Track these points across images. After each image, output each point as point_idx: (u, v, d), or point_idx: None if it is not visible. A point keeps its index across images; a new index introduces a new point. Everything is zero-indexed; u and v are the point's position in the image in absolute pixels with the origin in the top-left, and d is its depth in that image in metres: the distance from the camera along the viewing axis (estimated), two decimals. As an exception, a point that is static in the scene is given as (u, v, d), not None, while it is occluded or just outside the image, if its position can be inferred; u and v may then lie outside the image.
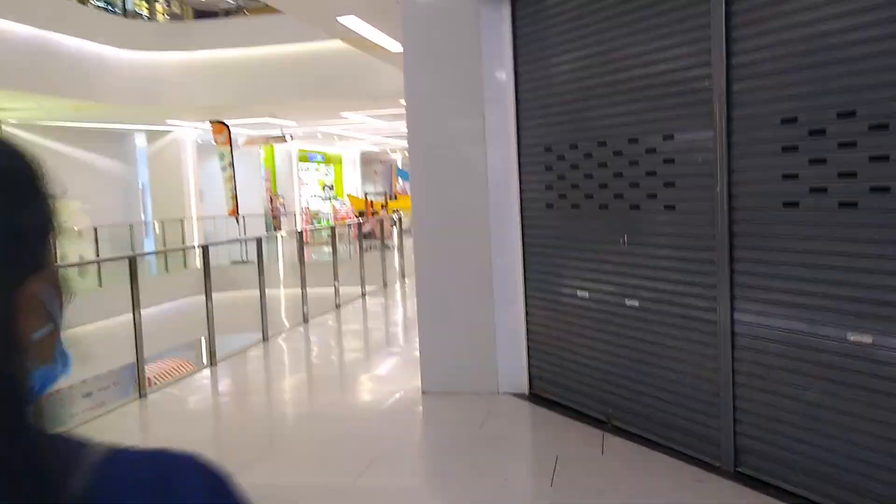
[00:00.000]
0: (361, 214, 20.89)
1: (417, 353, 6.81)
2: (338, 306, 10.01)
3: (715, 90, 3.76)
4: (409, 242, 14.37)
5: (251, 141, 22.81)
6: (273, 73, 15.39)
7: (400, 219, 14.92)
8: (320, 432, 4.97)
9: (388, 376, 6.37)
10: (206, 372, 6.79)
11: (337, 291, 10.10)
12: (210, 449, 4.83)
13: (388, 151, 39.13)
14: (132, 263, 5.84)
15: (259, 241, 8.08)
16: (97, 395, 16.82)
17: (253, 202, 25.03)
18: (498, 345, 5.50)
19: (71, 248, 17.38)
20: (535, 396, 5.36)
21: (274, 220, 27.15)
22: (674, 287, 4.15)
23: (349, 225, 16.25)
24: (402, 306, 10.51)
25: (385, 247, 13.37)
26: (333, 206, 29.99)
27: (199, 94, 15.93)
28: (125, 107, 15.61)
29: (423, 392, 5.62)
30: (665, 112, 4.11)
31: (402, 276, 13.09)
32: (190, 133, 21.12)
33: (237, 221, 18.83)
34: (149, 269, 17.41)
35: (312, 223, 28.19)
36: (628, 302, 4.45)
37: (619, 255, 4.50)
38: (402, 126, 23.53)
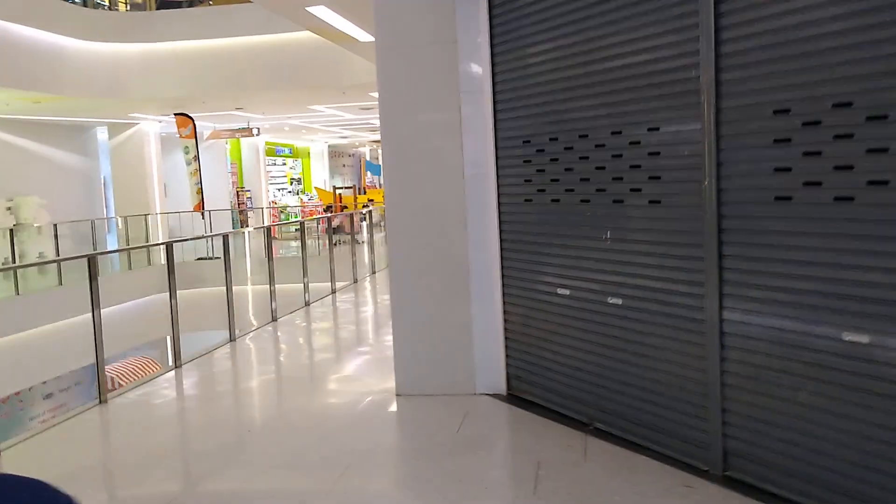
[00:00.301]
0: (329, 209, 20.58)
1: (391, 353, 6.63)
2: (307, 303, 9.78)
3: (703, 80, 3.61)
4: (378, 237, 14.20)
5: (216, 134, 22.37)
6: (239, 64, 15.05)
7: (370, 213, 14.68)
8: (291, 437, 4.75)
9: (361, 378, 6.16)
10: (171, 375, 6.53)
11: (306, 288, 9.86)
12: (176, 455, 4.62)
13: (356, 144, 38.82)
14: (91, 263, 5.56)
15: (226, 238, 7.81)
16: (57, 396, 16.43)
17: (219, 197, 24.60)
18: (475, 344, 5.33)
19: (31, 246, 16.92)
20: (514, 397, 5.20)
21: (241, 214, 26.74)
22: (659, 284, 4.00)
23: (318, 220, 15.96)
24: (373, 303, 10.30)
25: (355, 241, 13.11)
26: (301, 199, 29.62)
27: (162, 87, 15.54)
28: (87, 99, 15.17)
29: (398, 394, 5.43)
30: (650, 103, 3.95)
31: (373, 271, 12.87)
32: (153, 126, 20.65)
33: (202, 216, 18.44)
34: (111, 265, 16.98)
35: (280, 218, 27.81)
36: (611, 300, 4.30)
37: (602, 251, 4.34)
38: (371, 118, 23.30)
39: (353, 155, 40.60)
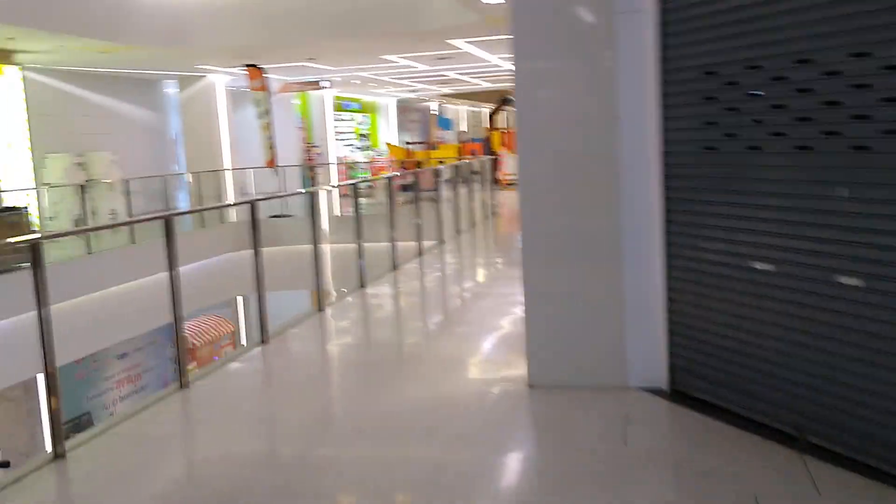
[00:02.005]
0: (419, 165, 19.63)
1: (510, 330, 5.70)
2: (395, 267, 8.89)
3: None
4: (453, 194, 13.20)
5: (287, 87, 21.58)
6: (311, 11, 14.07)
7: (456, 167, 13.71)
8: (397, 448, 3.86)
9: (480, 362, 5.23)
10: (257, 351, 5.70)
11: (394, 249, 8.96)
12: (271, 452, 3.74)
13: (425, 99, 37.70)
14: (168, 225, 4.72)
15: (312, 197, 6.93)
16: (132, 355, 16.11)
17: (288, 153, 23.87)
18: (627, 327, 4.33)
19: (102, 203, 16.48)
20: (679, 395, 4.19)
21: (310, 171, 26.05)
22: (926, 261, 2.92)
23: (404, 176, 15.08)
24: (469, 268, 9.35)
25: (432, 200, 12.14)
26: (372, 156, 28.79)
27: (230, 35, 14.69)
28: (152, 49, 14.44)
29: (531, 385, 4.48)
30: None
31: (458, 230, 11.93)
32: (222, 79, 19.93)
33: (275, 173, 17.71)
34: (183, 224, 16.43)
35: (348, 174, 27.05)
36: (843, 280, 3.23)
37: (830, 214, 3.26)
38: (445, 69, 22.16)
39: (421, 110, 39.51)
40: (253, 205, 5.72)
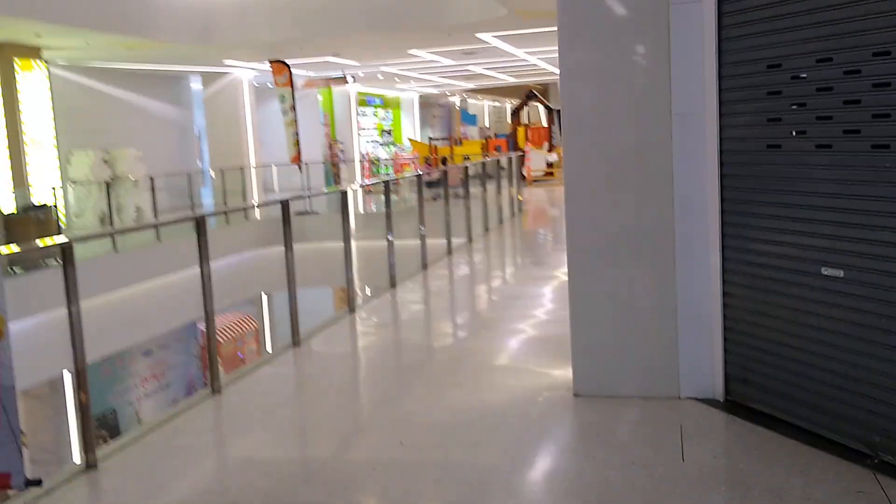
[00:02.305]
0: (445, 161, 19.43)
1: (550, 333, 5.51)
2: (425, 266, 8.71)
3: None
4: (480, 191, 12.98)
5: (311, 83, 21.48)
6: (340, 5, 13.92)
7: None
8: (442, 468, 3.68)
9: (521, 368, 5.03)
10: (289, 355, 5.54)
11: (423, 249, 8.78)
12: (307, 462, 3.56)
13: (447, 94, 37.47)
14: (200, 225, 4.57)
15: (344, 195, 6.77)
16: (157, 353, 16.07)
17: (312, 149, 23.77)
18: (680, 333, 4.12)
19: (127, 199, 16.45)
20: (735, 406, 3.98)
21: (333, 167, 25.94)
22: None
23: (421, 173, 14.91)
24: (500, 267, 9.15)
25: (457, 196, 11.94)
26: (396, 152, 28.62)
27: (257, 31, 14.58)
28: (179, 45, 14.36)
29: (576, 394, 4.28)
30: None
31: (486, 228, 11.74)
32: (247, 75, 19.86)
33: (300, 169, 17.60)
34: (208, 221, 16.36)
35: (372, 171, 26.94)
36: (926, 288, 3.01)
37: (911, 218, 3.04)
38: (470, 63, 21.95)
39: (444, 105, 39.29)
40: (284, 204, 5.56)
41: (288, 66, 16.70)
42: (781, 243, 3.62)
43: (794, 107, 3.49)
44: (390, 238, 7.77)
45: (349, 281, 6.77)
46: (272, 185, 21.73)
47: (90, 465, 3.64)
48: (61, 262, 3.45)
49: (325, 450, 3.91)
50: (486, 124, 43.62)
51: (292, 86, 16.78)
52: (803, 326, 3.56)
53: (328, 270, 11.94)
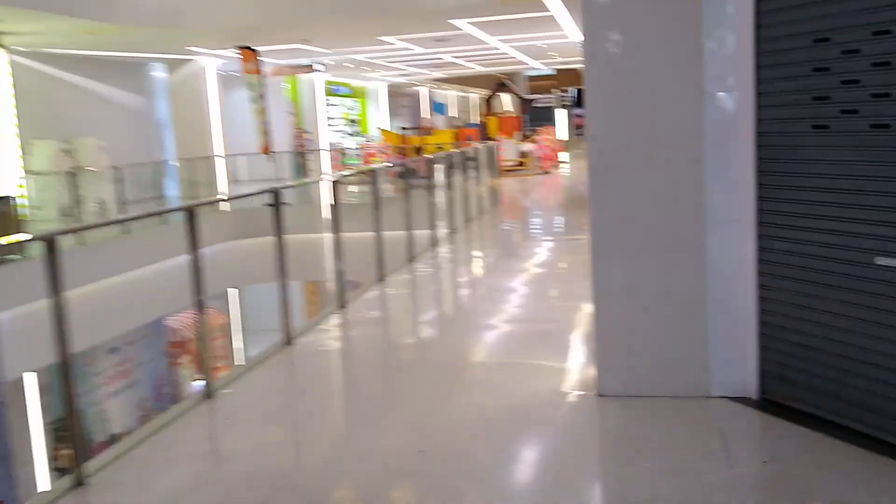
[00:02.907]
0: (419, 151, 19.05)
1: (557, 328, 5.25)
2: (412, 258, 8.39)
3: None
4: (459, 181, 12.67)
5: (279, 71, 20.93)
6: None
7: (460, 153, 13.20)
8: (465, 479, 3.39)
9: (536, 366, 4.72)
10: (283, 355, 5.20)
11: (410, 240, 8.46)
12: (318, 478, 3.23)
13: (416, 83, 37.05)
14: (192, 216, 4.21)
15: (335, 184, 6.41)
16: (124, 350, 15.52)
17: (277, 138, 23.20)
18: (711, 327, 3.87)
19: (90, 191, 15.83)
20: (771, 404, 3.75)
21: (300, 157, 25.42)
22: None
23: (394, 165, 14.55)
24: (495, 258, 8.83)
25: (430, 188, 11.62)
26: (365, 142, 28.16)
27: (225, 16, 14.07)
28: (143, 30, 13.80)
29: (600, 394, 4.02)
30: None
31: (467, 219, 11.44)
32: (213, 62, 19.26)
33: (270, 159, 17.10)
34: (175, 213, 15.82)
35: (341, 161, 26.43)
36: None
37: (984, 202, 2.82)
38: (442, 52, 21.59)
39: (411, 95, 38.83)
40: (276, 192, 5.21)
41: (257, 53, 16.20)
42: (828, 231, 3.39)
43: (845, 84, 3.25)
44: (378, 231, 7.44)
45: (339, 275, 6.43)
46: (239, 175, 21.18)
47: (79, 482, 3.28)
48: (46, 257, 3.08)
49: (336, 463, 3.59)
50: (454, 114, 43.30)
51: (261, 73, 16.27)
52: (854, 320, 3.33)
53: (305, 263, 11.54)
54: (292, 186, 9.69)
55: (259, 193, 5.27)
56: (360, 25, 15.28)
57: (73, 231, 3.06)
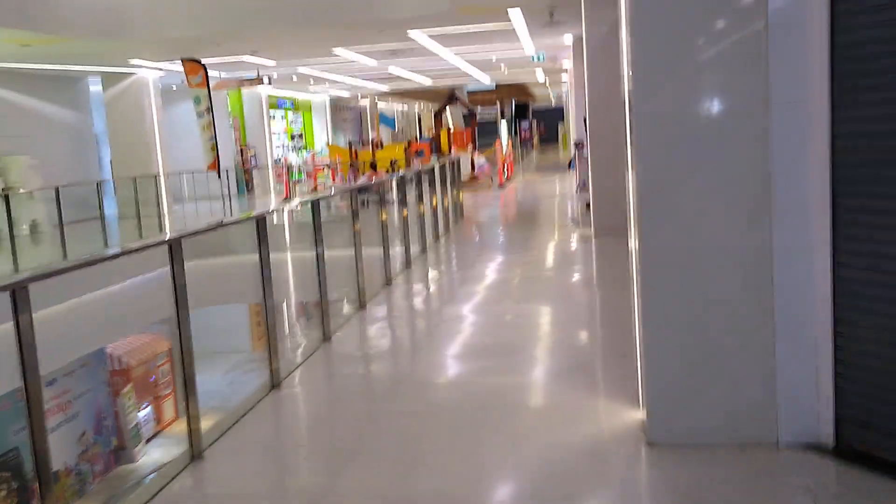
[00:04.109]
0: (374, 166, 18.46)
1: (571, 365, 4.80)
2: (389, 281, 7.84)
3: None
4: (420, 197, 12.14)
5: (223, 84, 20.13)
6: (262, -2, 12.83)
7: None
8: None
9: (565, 408, 4.20)
10: (269, 401, 4.59)
11: (387, 259, 7.90)
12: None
13: (358, 97, 36.46)
14: (173, 250, 3.61)
15: (315, 204, 5.84)
16: (62, 381, 14.50)
17: (221, 154, 22.33)
18: (779, 366, 3.45)
19: (21, 212, 14.79)
20: (851, 453, 3.33)
21: (245, 173, 24.58)
22: None
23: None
24: (474, 280, 8.30)
25: (392, 203, 11.10)
26: (313, 156, 27.45)
27: (170, 26, 13.30)
28: (83, 42, 12.95)
29: (650, 443, 3.56)
30: None
31: (437, 236, 10.94)
32: (153, 75, 18.36)
33: (218, 176, 16.33)
34: (112, 236, 14.88)
35: (288, 177, 25.66)
36: None
37: None
38: (392, 63, 21.09)
39: (354, 108, 38.20)
40: (260, 220, 4.62)
41: (203, 65, 15.42)
42: (924, 259, 2.99)
43: (947, 93, 2.87)
44: (357, 252, 6.88)
45: (322, 305, 5.85)
46: (181, 193, 20.26)
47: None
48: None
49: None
50: (396, 128, 42.86)
51: (208, 86, 15.51)
52: (960, 360, 2.94)
53: (252, 286, 10.85)
54: (280, 210, 8.99)
55: (242, 221, 4.66)
56: (315, 36, 14.68)
57: (45, 277, 2.48)
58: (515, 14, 12.85)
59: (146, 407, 13.14)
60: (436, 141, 22.44)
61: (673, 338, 3.54)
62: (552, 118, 54.96)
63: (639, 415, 3.87)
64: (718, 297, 3.48)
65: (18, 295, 2.52)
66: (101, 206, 16.28)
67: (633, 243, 3.71)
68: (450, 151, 21.28)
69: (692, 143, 3.42)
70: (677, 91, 3.41)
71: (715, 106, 3.39)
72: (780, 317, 3.42)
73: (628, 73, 3.54)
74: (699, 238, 3.47)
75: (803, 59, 3.25)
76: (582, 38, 10.79)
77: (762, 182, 3.36)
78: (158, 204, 16.45)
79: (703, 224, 3.46)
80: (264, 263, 4.68)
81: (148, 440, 12.68)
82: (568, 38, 16.31)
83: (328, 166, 23.41)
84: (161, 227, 14.85)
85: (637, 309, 3.67)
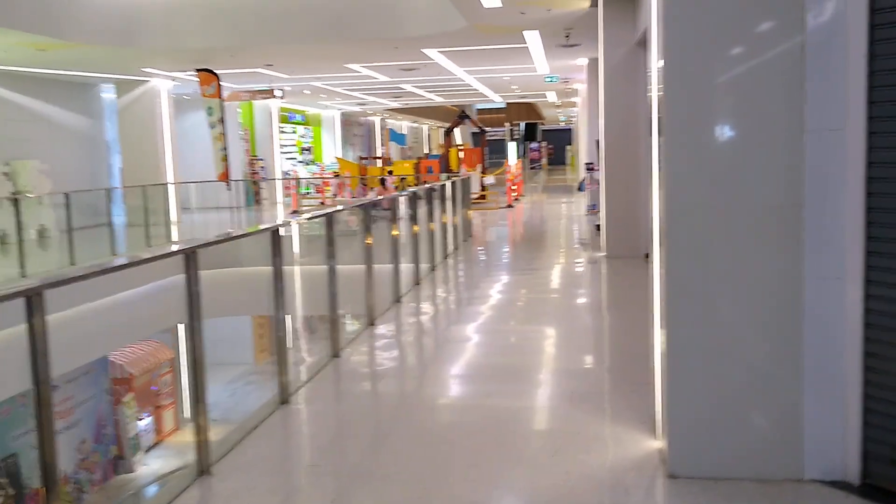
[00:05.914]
0: (383, 182, 18.43)
1: (586, 391, 4.70)
2: (398, 299, 7.76)
3: None
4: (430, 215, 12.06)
5: (234, 96, 20.18)
6: (278, 12, 12.86)
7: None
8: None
9: (581, 436, 4.08)
10: (278, 417, 4.49)
11: (397, 276, 7.81)
12: None
13: (369, 113, 36.56)
14: (190, 261, 3.54)
15: (330, 217, 5.78)
16: (64, 388, 14.42)
17: (231, 165, 22.32)
18: (806, 399, 3.35)
19: (30, 217, 14.77)
20: (876, 491, 3.23)
21: (254, 185, 24.56)
22: None
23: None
24: (482, 299, 8.21)
25: (399, 219, 10.99)
26: (322, 170, 27.47)
27: (185, 37, 13.34)
28: (98, 49, 12.97)
29: (671, 476, 3.45)
30: None
31: (445, 255, 10.86)
32: (166, 84, 18.41)
33: (227, 187, 16.31)
34: (119, 243, 14.85)
35: (297, 191, 25.67)
36: None
37: None
38: (405, 81, 21.14)
39: (364, 124, 38.30)
40: (274, 232, 4.55)
41: (216, 75, 15.45)
42: (962, 294, 2.91)
43: None
44: (369, 268, 6.80)
45: (332, 321, 5.77)
46: (189, 202, 20.25)
47: None
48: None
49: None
50: (406, 145, 42.93)
51: (221, 97, 15.52)
52: None
53: (258, 297, 10.77)
54: (301, 221, 8.91)
55: (269, 229, 4.59)
56: (329, 51, 14.71)
57: (62, 284, 2.43)
58: (532, 35, 12.86)
59: (146, 417, 13.04)
60: (445, 159, 22.37)
61: (698, 367, 3.45)
62: (560, 139, 55.05)
63: (656, 444, 3.78)
64: (746, 326, 3.39)
65: (33, 302, 2.44)
66: (109, 213, 16.28)
67: (657, 269, 3.64)
68: (459, 170, 21.21)
69: (721, 168, 3.35)
70: (708, 115, 3.34)
71: (747, 131, 3.31)
72: (808, 348, 3.33)
73: (657, 96, 3.48)
74: (725, 267, 3.38)
75: (840, 85, 3.18)
76: (597, 60, 10.78)
77: (793, 209, 3.28)
78: (167, 213, 16.40)
79: (731, 252, 3.38)
80: (278, 276, 4.60)
81: (147, 450, 12.56)
82: (582, 60, 16.34)
83: (336, 176, 23.43)
84: (169, 236, 14.80)
85: (660, 337, 3.58)
